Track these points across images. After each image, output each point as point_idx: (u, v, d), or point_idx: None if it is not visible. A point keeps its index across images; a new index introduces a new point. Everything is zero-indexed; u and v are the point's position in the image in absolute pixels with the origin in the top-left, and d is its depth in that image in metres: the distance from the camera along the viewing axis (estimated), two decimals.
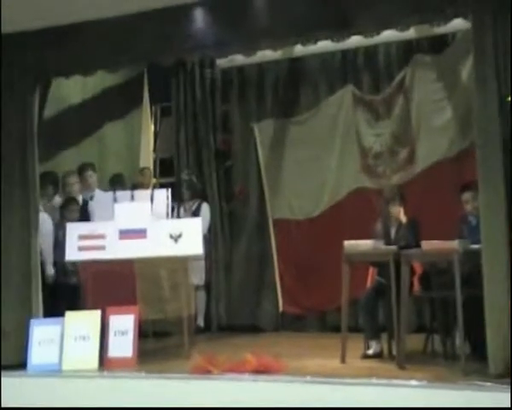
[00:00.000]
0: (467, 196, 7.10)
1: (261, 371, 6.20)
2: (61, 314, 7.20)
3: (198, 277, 9.32)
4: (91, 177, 9.00)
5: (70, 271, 8.11)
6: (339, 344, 6.95)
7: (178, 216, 8.99)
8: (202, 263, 9.37)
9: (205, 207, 9.44)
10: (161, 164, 10.70)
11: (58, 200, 8.72)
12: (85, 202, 8.67)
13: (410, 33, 8.09)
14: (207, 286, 9.66)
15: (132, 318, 7.11)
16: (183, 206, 9.31)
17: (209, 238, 9.50)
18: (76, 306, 7.59)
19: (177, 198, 9.13)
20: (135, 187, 8.86)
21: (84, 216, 8.38)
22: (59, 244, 8.13)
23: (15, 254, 7.35)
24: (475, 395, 5.36)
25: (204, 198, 9.67)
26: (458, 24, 7.20)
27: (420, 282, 7.19)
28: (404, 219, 7.29)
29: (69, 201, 8.48)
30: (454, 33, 8.56)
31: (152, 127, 10.79)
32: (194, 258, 8.29)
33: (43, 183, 8.34)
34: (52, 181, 8.74)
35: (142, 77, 10.42)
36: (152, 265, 7.57)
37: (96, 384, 6.59)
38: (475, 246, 6.16)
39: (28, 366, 6.99)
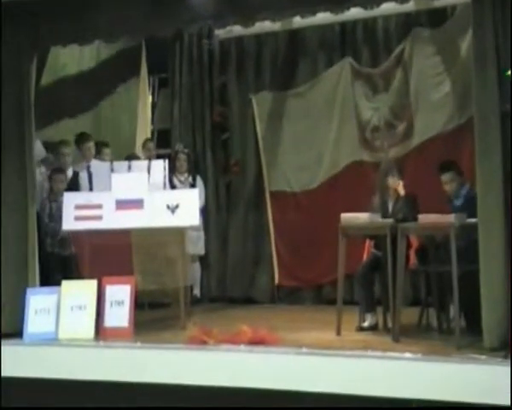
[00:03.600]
0: (445, 177, 7.05)
1: (256, 342, 6.21)
2: (55, 285, 7.22)
3: (199, 247, 9.38)
4: (90, 148, 8.95)
5: (63, 242, 8.13)
6: (334, 317, 6.98)
7: (173, 188, 8.99)
8: (202, 233, 9.42)
9: (199, 180, 9.46)
10: (159, 135, 10.68)
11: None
12: (76, 174, 8.62)
13: (410, 6, 8.06)
14: (203, 258, 9.68)
15: (128, 288, 7.12)
16: (178, 178, 9.30)
17: (205, 210, 9.53)
18: (69, 277, 7.61)
19: (171, 170, 9.12)
20: (130, 158, 8.82)
21: (75, 189, 8.35)
22: (50, 215, 8.16)
23: (12, 223, 7.34)
24: (469, 368, 5.39)
25: (197, 171, 9.68)
26: None
27: (416, 256, 7.20)
28: (402, 192, 7.30)
29: (55, 171, 8.43)
30: (453, 7, 8.53)
31: (150, 98, 10.74)
32: (195, 228, 8.32)
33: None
34: (52, 151, 8.72)
35: (140, 47, 10.34)
36: (148, 235, 7.57)
37: (91, 354, 6.61)
38: (472, 220, 6.17)
39: (24, 334, 6.98)
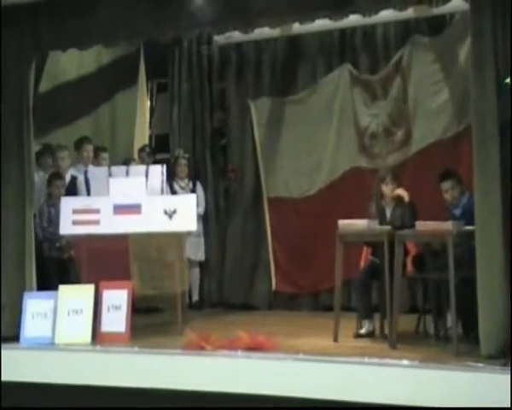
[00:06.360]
0: (446, 185, 7.05)
1: (254, 348, 6.21)
2: (52, 289, 7.22)
3: (199, 253, 9.41)
4: (89, 151, 8.96)
5: (60, 246, 8.12)
6: (331, 323, 6.97)
7: (174, 193, 9.00)
8: (202, 239, 9.44)
9: (199, 186, 9.48)
10: (157, 140, 10.67)
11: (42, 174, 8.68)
12: (74, 179, 8.62)
13: (409, 13, 8.06)
14: (204, 263, 9.69)
15: (126, 293, 7.12)
16: (178, 184, 9.31)
17: (204, 216, 9.55)
18: (66, 281, 7.60)
19: (171, 175, 9.13)
20: (126, 162, 8.84)
21: (72, 193, 8.34)
22: (49, 220, 8.15)
23: (10, 226, 7.34)
24: (467, 375, 5.39)
25: (196, 176, 9.69)
26: (456, 5, 7.16)
27: (413, 263, 7.20)
28: (407, 198, 7.25)
29: (54, 176, 8.42)
30: (452, 14, 8.53)
31: (148, 103, 10.74)
32: (195, 234, 8.31)
33: (41, 155, 8.37)
34: (50, 154, 8.72)
35: (139, 52, 10.33)
36: (146, 240, 7.58)
37: (88, 358, 6.61)
38: (469, 227, 6.17)
39: (21, 338, 6.99)
